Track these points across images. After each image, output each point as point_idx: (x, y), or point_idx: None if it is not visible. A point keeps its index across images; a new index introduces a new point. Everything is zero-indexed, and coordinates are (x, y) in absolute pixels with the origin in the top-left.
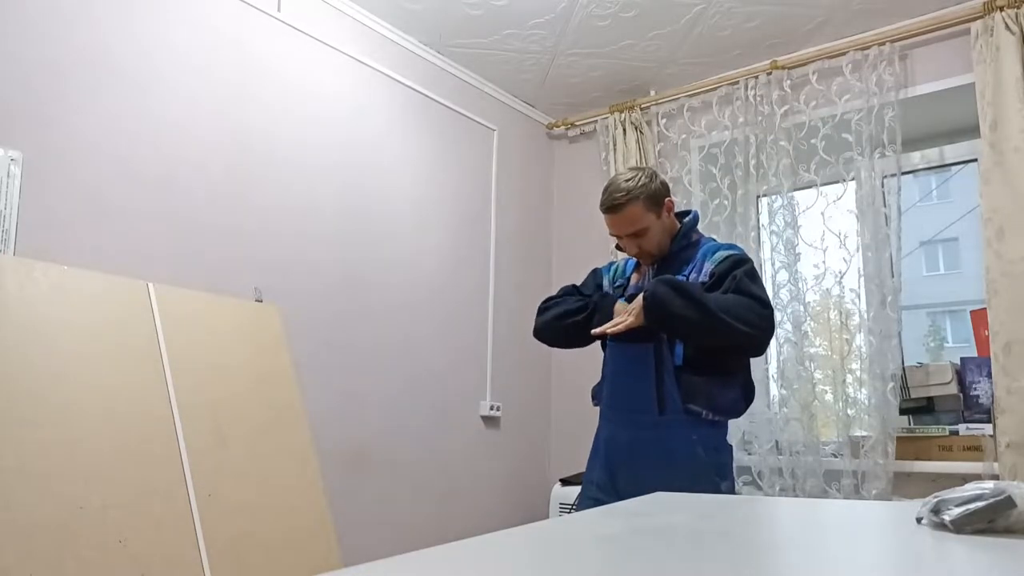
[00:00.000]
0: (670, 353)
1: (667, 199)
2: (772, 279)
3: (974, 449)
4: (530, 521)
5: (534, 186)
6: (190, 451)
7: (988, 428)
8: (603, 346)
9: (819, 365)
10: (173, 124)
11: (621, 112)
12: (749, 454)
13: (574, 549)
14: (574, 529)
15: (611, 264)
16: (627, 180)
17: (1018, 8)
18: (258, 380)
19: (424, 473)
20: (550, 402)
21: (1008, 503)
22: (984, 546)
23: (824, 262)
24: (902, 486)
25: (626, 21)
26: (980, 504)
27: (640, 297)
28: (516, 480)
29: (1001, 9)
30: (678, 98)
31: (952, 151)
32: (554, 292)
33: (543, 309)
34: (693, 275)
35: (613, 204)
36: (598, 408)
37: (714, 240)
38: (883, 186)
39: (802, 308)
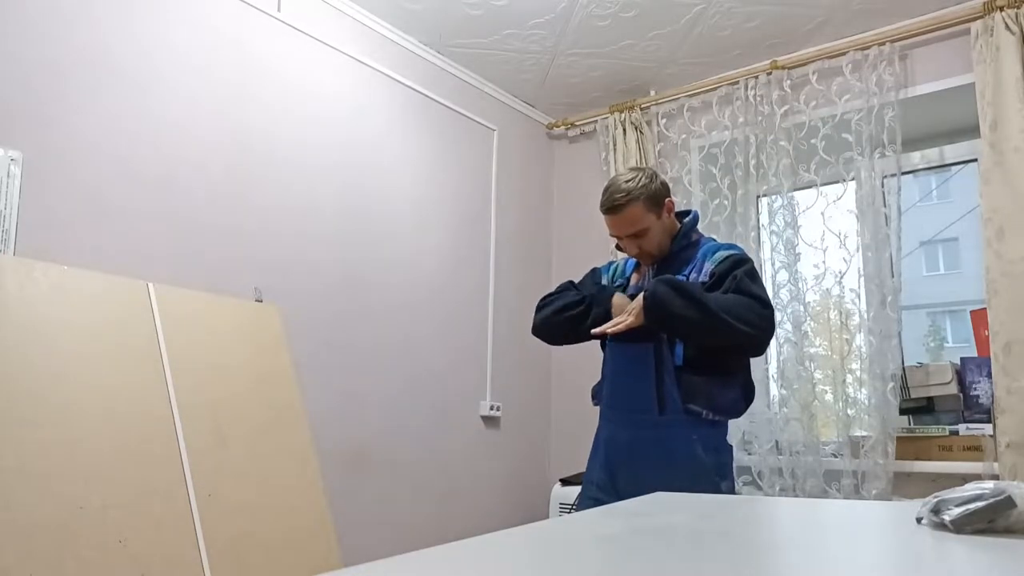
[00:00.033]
0: (670, 353)
1: (667, 199)
2: (772, 279)
3: (974, 449)
4: (530, 521)
5: (534, 186)
6: (190, 451)
7: (988, 428)
8: (602, 346)
9: (819, 365)
10: (173, 124)
11: (621, 112)
12: (749, 454)
13: (574, 549)
14: (574, 529)
15: (611, 263)
16: (627, 181)
17: (1018, 8)
18: (258, 380)
19: (424, 473)
20: (550, 402)
21: (1008, 503)
22: (984, 546)
23: (824, 262)
24: (902, 486)
25: (626, 21)
26: (980, 504)
27: (640, 297)
28: (516, 480)
29: (1001, 9)
30: (678, 98)
31: (952, 151)
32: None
33: (541, 306)
34: (693, 275)
35: (613, 205)
36: (598, 408)
37: (714, 240)
38: (883, 186)
39: (802, 308)
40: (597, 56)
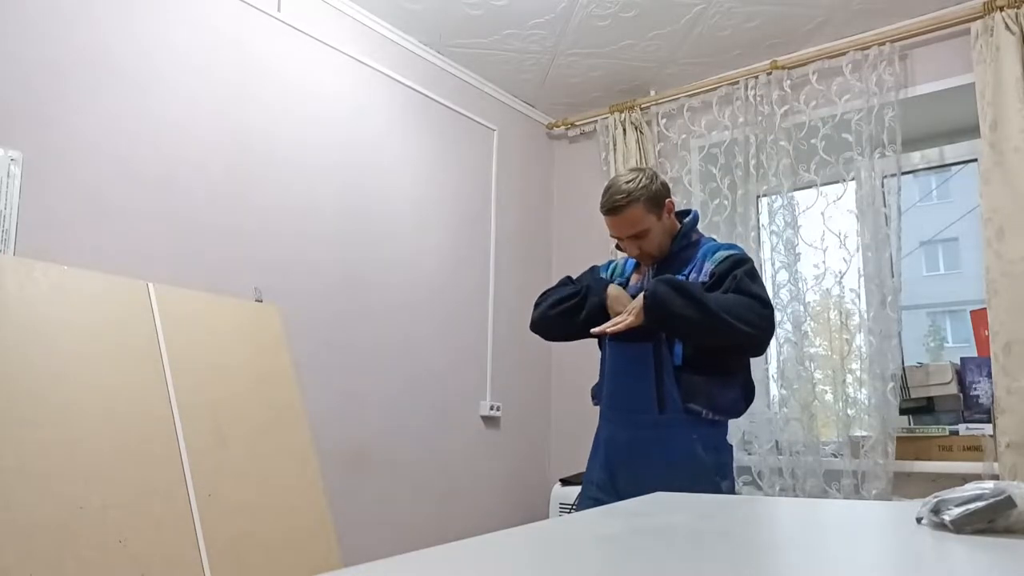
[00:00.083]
0: (669, 353)
1: (668, 200)
2: (772, 279)
3: (974, 449)
4: (530, 521)
5: (534, 186)
6: (190, 451)
7: (988, 428)
8: (600, 345)
9: (819, 365)
10: (173, 124)
11: (621, 112)
12: (749, 454)
13: (574, 549)
14: (574, 529)
15: (610, 262)
16: (627, 182)
17: (1018, 8)
18: (258, 380)
19: (424, 473)
20: (550, 402)
21: (1008, 503)
22: (984, 546)
23: (824, 262)
24: (902, 486)
25: (626, 21)
26: (980, 504)
27: (640, 296)
28: (516, 480)
29: (1001, 9)
30: (678, 98)
31: (952, 151)
32: None
33: (539, 301)
34: (693, 275)
35: (614, 206)
36: (598, 408)
37: (714, 240)
38: (883, 186)
39: (802, 308)
40: (597, 56)
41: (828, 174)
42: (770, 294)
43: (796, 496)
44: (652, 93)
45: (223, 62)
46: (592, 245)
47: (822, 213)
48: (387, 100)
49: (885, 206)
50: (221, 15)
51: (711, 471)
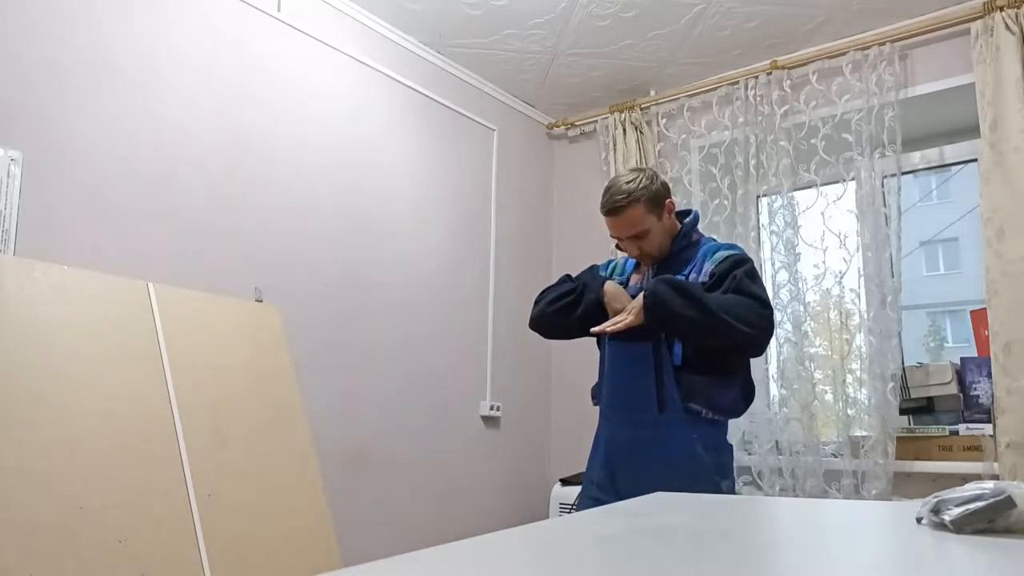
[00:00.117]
0: (668, 352)
1: (668, 200)
2: (772, 279)
3: (974, 449)
4: (530, 521)
5: (534, 186)
6: (190, 451)
7: (988, 428)
8: (600, 344)
9: (819, 365)
10: (173, 124)
11: (621, 112)
12: (749, 454)
13: (574, 549)
14: (574, 529)
15: (610, 261)
16: (628, 182)
17: (1018, 8)
18: (258, 380)
19: (424, 473)
20: (550, 402)
21: (1008, 503)
22: (984, 546)
23: (824, 262)
24: (902, 486)
25: (626, 21)
26: (980, 504)
27: (640, 296)
28: (516, 480)
29: (1001, 9)
30: (678, 98)
31: (952, 151)
32: None
33: (538, 299)
34: (693, 275)
35: (614, 206)
36: (598, 408)
37: (714, 240)
38: (883, 186)
39: (802, 308)
40: (597, 56)
41: (828, 174)
42: (770, 294)
43: (796, 496)
44: (652, 93)
45: (223, 62)
46: (592, 245)
47: (822, 213)
48: (387, 100)
49: (885, 206)
50: (221, 15)
51: (711, 471)
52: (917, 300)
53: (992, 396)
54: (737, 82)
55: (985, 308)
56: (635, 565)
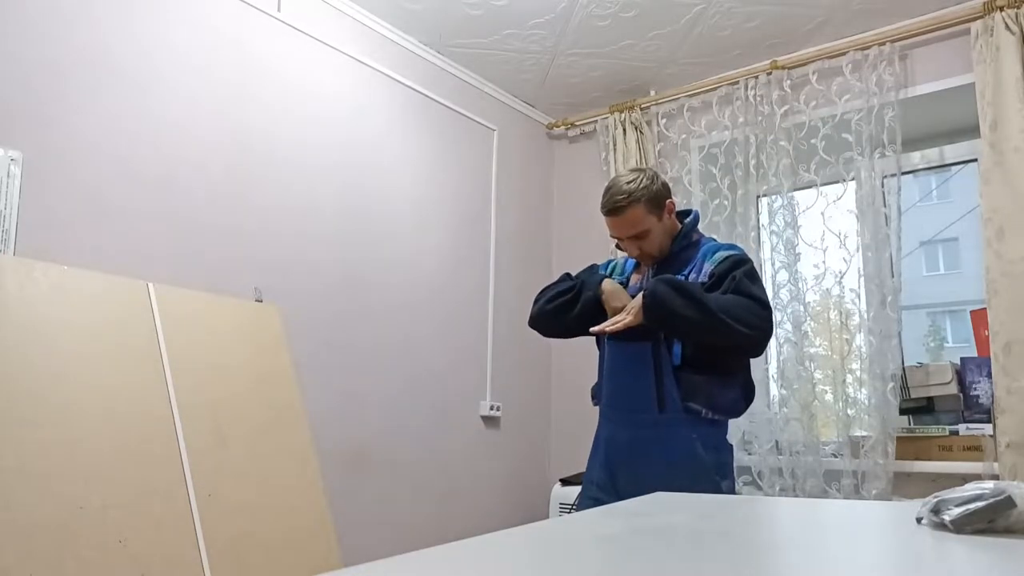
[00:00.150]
0: (668, 352)
1: (668, 201)
2: (772, 279)
3: (974, 449)
4: (530, 521)
5: (534, 186)
6: (190, 451)
7: (988, 428)
8: (599, 344)
9: (819, 365)
10: (173, 124)
11: (621, 112)
12: (749, 454)
13: (574, 549)
14: (574, 529)
15: (609, 261)
16: (628, 182)
17: (1018, 8)
18: (258, 380)
19: (424, 473)
20: (550, 402)
21: (1008, 503)
22: (984, 546)
23: (824, 262)
24: (902, 486)
25: (626, 21)
26: (980, 504)
27: (640, 296)
28: (516, 480)
29: (1001, 9)
30: (678, 98)
31: (952, 151)
32: None
33: (538, 298)
34: (692, 275)
35: (614, 206)
36: (598, 408)
37: (714, 240)
38: (883, 186)
39: (802, 308)
40: (597, 56)
41: (828, 174)
42: (770, 294)
43: (796, 496)
44: (652, 93)
45: (223, 62)
46: (592, 245)
47: (822, 213)
48: (387, 100)
49: (885, 206)
50: (221, 15)
51: (711, 470)
52: (917, 300)
53: (992, 396)
54: (737, 82)
55: (985, 308)
56: (635, 565)
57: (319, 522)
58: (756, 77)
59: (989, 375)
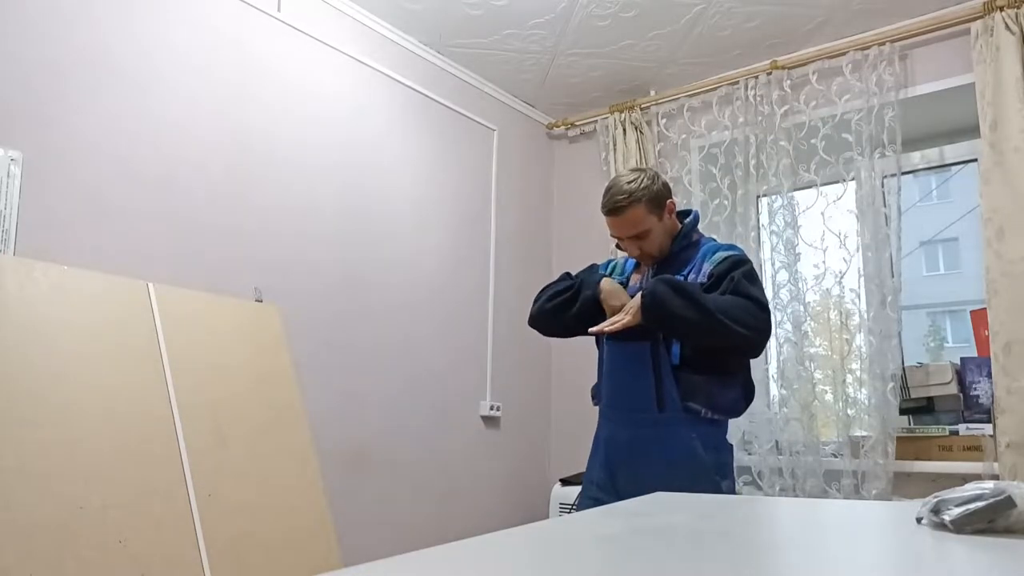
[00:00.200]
0: (667, 352)
1: (669, 201)
2: (772, 279)
3: (974, 449)
4: (530, 521)
5: (534, 186)
6: (190, 451)
7: (988, 428)
8: (598, 343)
9: (819, 365)
10: (173, 124)
11: (621, 112)
12: (749, 454)
13: (574, 549)
14: (574, 529)
15: (609, 261)
16: (629, 182)
17: (1018, 8)
18: (258, 380)
19: (424, 473)
20: (550, 402)
21: (1008, 503)
22: (984, 546)
23: (824, 262)
24: (902, 486)
25: (626, 21)
26: (980, 504)
27: (638, 296)
28: (516, 480)
29: (1001, 9)
30: (678, 98)
31: (952, 151)
32: None
33: (537, 297)
34: (692, 275)
35: (615, 206)
36: (598, 408)
37: (714, 240)
38: (883, 186)
39: (802, 308)
40: (597, 56)
41: (828, 174)
42: (770, 294)
43: (796, 496)
44: (652, 93)
45: (223, 62)
46: (592, 245)
47: (822, 213)
48: (387, 100)
49: (885, 206)
50: (221, 15)
51: (711, 470)
52: (917, 300)
53: (992, 396)
54: (737, 82)
55: (985, 308)
56: (635, 565)
57: (319, 522)
58: (756, 77)
59: (989, 375)
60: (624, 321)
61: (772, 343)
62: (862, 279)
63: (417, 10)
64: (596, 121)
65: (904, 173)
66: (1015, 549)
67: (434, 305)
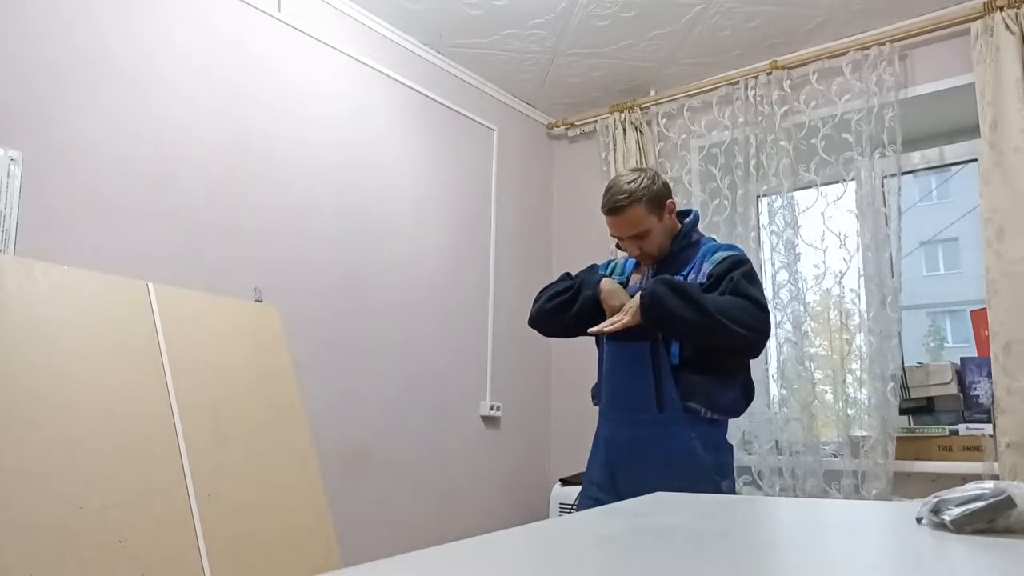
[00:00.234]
0: (666, 352)
1: (669, 201)
2: (772, 279)
3: (974, 449)
4: (530, 521)
5: (534, 186)
6: (190, 451)
7: (988, 428)
8: (598, 344)
9: (819, 365)
10: (173, 124)
11: (621, 112)
12: (749, 454)
13: (574, 549)
14: (574, 529)
15: (609, 261)
16: (629, 182)
17: (1018, 8)
18: (258, 380)
19: (424, 473)
20: (550, 402)
21: (1008, 503)
22: (984, 546)
23: (824, 262)
24: (902, 486)
25: (626, 21)
26: (980, 504)
27: (638, 296)
28: (516, 480)
29: (1001, 9)
30: (678, 98)
31: (952, 151)
32: None
33: (537, 297)
34: (691, 276)
35: (615, 206)
36: (598, 408)
37: (714, 240)
38: (883, 186)
39: (802, 308)
40: (597, 56)
41: (828, 174)
42: (770, 294)
43: (796, 496)
44: (652, 93)
45: (223, 62)
46: (592, 245)
47: (822, 213)
48: (387, 100)
49: (885, 206)
50: (221, 15)
51: (711, 470)
52: (917, 300)
53: (992, 396)
54: (737, 82)
55: (985, 308)
56: (635, 565)
57: (319, 522)
58: (756, 77)
59: (989, 375)
60: (623, 321)
61: (772, 343)
62: (862, 279)
63: (417, 10)
64: (596, 121)
65: (904, 173)
66: (1015, 549)
67: (434, 305)
